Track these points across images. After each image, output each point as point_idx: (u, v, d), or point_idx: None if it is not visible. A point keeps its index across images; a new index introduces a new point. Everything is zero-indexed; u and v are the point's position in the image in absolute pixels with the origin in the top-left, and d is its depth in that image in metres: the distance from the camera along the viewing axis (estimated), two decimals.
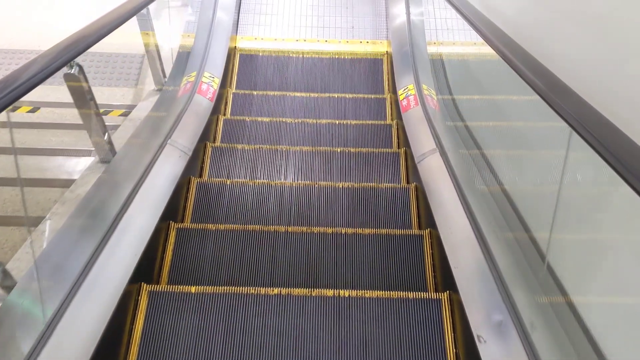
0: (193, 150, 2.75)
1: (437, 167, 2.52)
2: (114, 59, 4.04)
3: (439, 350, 1.84)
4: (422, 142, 2.82)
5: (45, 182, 2.68)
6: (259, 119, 3.40)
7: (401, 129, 3.24)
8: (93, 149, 2.71)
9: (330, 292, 1.99)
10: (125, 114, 3.55)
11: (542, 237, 1.55)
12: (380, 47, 4.23)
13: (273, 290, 2.00)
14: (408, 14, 3.93)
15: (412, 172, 2.80)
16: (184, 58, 3.62)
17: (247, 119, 3.44)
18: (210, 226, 2.38)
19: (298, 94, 3.71)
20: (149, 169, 2.39)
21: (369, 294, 1.99)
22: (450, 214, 2.12)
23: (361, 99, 3.71)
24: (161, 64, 3.55)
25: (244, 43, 4.21)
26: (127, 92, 3.83)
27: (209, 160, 3.01)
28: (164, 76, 3.64)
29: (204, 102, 3.21)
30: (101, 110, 3.63)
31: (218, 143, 3.29)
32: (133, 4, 2.65)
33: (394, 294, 1.99)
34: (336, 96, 3.70)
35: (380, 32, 4.31)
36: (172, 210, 2.42)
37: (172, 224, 2.37)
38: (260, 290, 2.00)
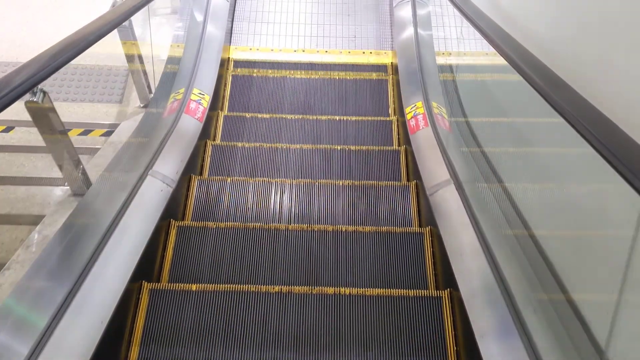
0: (178, 181, 2.46)
1: (453, 203, 2.22)
2: (97, 72, 3.74)
3: (440, 347, 1.88)
4: (434, 171, 2.52)
5: (10, 219, 2.39)
6: (259, 115, 3.22)
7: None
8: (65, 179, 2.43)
9: (330, 290, 2.02)
10: (107, 134, 3.26)
11: (595, 319, 1.26)
12: (385, 58, 3.94)
13: (274, 288, 2.02)
14: (415, 23, 3.63)
15: (424, 205, 2.50)
16: (171, 72, 3.33)
17: (247, 115, 3.15)
18: (211, 224, 2.38)
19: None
20: (124, 210, 2.10)
21: (369, 291, 2.02)
22: (473, 274, 1.81)
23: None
24: (146, 78, 3.25)
25: (238, 54, 3.91)
26: (111, 108, 3.54)
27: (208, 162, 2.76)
28: (150, 92, 3.34)
29: (192, 124, 2.91)
30: (81, 130, 3.35)
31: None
32: (111, 17, 2.36)
33: (395, 292, 2.02)
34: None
35: (385, 42, 4.02)
36: (142, 275, 2.02)
37: (172, 222, 2.36)
38: (261, 288, 2.02)
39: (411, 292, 2.01)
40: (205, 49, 3.45)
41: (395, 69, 3.72)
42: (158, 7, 4.06)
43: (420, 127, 2.94)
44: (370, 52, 3.97)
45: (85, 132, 3.22)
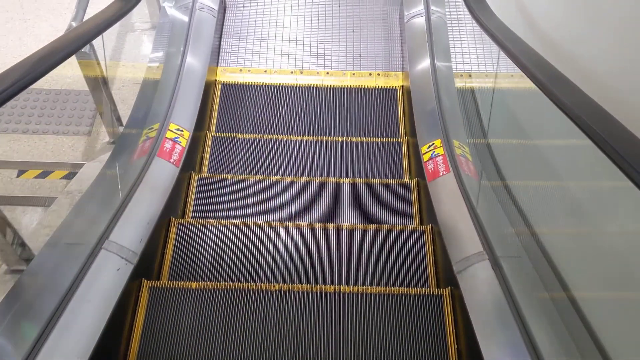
0: (141, 253, 1.96)
1: (490, 292, 1.73)
2: (64, 97, 3.25)
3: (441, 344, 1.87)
4: (461, 237, 2.03)
5: None
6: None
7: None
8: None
9: (331, 288, 2.02)
10: (69, 176, 2.77)
11: None
12: (394, 81, 3.44)
13: (274, 286, 2.02)
14: (430, 42, 3.13)
15: (448, 284, 2.01)
16: (146, 101, 2.84)
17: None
18: (211, 222, 2.39)
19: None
20: (64, 305, 1.61)
21: (369, 289, 2.02)
22: None
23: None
24: (114, 107, 2.77)
25: (227, 76, 3.42)
26: (78, 142, 3.05)
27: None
28: (120, 124, 2.86)
29: (165, 170, 2.42)
30: (39, 172, 2.86)
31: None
32: (66, 41, 1.88)
33: (395, 290, 2.02)
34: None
35: (394, 61, 3.52)
36: None
37: (172, 219, 2.34)
38: (261, 286, 2.02)
39: (412, 291, 2.03)
40: (186, 74, 2.95)
41: (407, 94, 3.23)
42: (135, 22, 3.58)
43: (440, 173, 2.45)
44: (378, 74, 3.47)
45: (44, 174, 2.73)
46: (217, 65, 3.46)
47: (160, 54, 3.10)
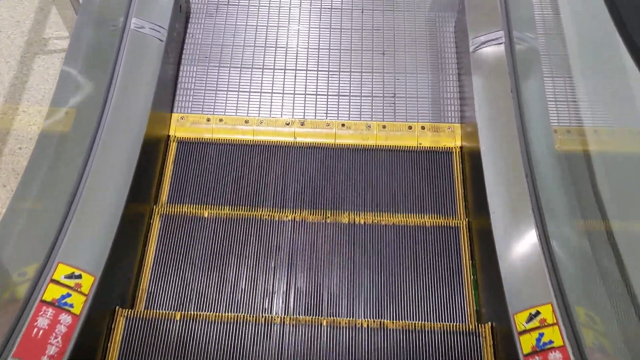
0: None
1: None
2: None
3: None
4: None
5: None
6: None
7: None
8: None
9: (345, 219, 1.91)
10: None
11: None
12: (448, 139, 2.19)
13: (287, 216, 1.91)
14: (515, 79, 1.87)
15: None
16: (27, 202, 1.63)
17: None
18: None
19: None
20: None
21: (385, 220, 1.92)
22: None
23: None
24: None
25: (187, 129, 2.19)
26: None
27: None
28: None
29: None
30: None
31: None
32: None
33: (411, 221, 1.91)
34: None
35: (448, 106, 2.26)
36: None
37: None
38: (274, 216, 1.91)
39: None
40: (106, 142, 1.73)
41: (470, 163, 2.00)
42: (49, 38, 2.35)
43: None
44: (423, 127, 2.22)
45: None
46: (172, 111, 2.22)
47: (66, 102, 1.87)
